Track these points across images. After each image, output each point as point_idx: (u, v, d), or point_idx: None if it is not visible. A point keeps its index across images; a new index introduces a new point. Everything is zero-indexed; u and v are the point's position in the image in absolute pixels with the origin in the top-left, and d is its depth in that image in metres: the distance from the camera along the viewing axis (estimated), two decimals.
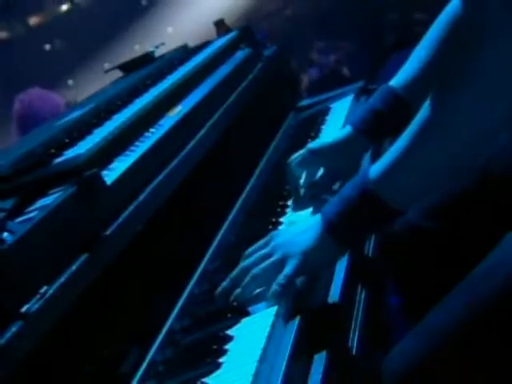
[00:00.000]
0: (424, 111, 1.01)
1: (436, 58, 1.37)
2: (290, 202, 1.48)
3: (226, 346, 1.03)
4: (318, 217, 1.12)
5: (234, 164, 1.65)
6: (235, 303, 1.12)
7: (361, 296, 1.20)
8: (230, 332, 1.06)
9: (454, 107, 0.97)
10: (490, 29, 0.92)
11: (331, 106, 2.05)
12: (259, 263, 1.13)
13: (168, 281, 1.22)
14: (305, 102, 2.18)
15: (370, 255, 1.35)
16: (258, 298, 1.11)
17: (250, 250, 1.18)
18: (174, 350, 1.11)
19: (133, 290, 1.13)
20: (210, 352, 1.03)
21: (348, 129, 1.47)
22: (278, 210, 1.46)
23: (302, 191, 1.49)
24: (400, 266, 1.56)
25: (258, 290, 1.12)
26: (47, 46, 6.95)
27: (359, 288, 1.21)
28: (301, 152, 1.50)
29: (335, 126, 1.81)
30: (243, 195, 1.58)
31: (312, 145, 1.51)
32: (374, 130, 1.45)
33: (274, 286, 1.08)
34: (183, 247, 1.31)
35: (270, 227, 1.37)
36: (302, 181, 1.50)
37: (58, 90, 5.50)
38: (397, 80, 1.44)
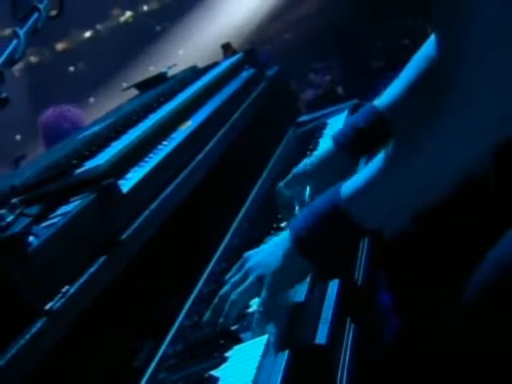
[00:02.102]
0: (397, 138, 0.96)
1: (413, 87, 1.32)
2: None
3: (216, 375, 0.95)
4: (287, 232, 1.02)
5: (239, 174, 1.64)
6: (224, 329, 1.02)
7: (349, 334, 1.07)
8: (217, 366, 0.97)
9: (430, 135, 0.91)
10: (460, 69, 0.87)
11: (328, 121, 2.04)
12: (235, 288, 1.04)
13: (179, 281, 1.21)
14: (304, 118, 2.17)
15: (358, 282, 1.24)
16: (245, 329, 1.02)
17: (229, 275, 1.09)
18: (183, 346, 1.09)
19: (146, 289, 1.12)
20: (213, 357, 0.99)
21: (331, 144, 1.40)
22: (279, 216, 1.45)
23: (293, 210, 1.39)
24: (390, 266, 1.55)
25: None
26: (71, 69, 7.00)
27: (348, 324, 1.09)
28: (288, 177, 1.42)
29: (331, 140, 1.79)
30: (247, 203, 1.56)
31: (296, 169, 1.42)
32: (354, 145, 1.37)
33: (256, 315, 1.00)
34: (192, 250, 1.30)
35: (272, 232, 1.36)
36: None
37: (81, 106, 5.51)
38: (381, 100, 1.38)
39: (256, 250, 1.10)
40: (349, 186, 0.98)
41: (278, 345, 0.95)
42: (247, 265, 1.06)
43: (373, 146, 1.35)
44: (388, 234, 1.00)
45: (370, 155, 1.38)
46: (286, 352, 0.92)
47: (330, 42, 6.21)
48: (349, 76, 5.73)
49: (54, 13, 1.08)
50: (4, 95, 0.92)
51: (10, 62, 0.95)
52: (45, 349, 0.85)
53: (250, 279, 1.03)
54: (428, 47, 1.31)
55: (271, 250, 1.04)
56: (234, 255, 1.34)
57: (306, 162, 1.42)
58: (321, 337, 0.99)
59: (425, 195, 0.95)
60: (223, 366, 0.97)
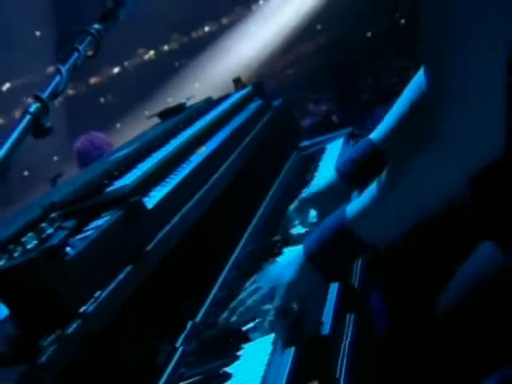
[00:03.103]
0: (393, 162, 0.97)
1: (405, 120, 1.31)
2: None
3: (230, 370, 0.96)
4: (300, 250, 1.05)
5: (249, 192, 1.63)
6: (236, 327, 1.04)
7: (348, 330, 1.09)
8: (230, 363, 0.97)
9: (416, 164, 0.92)
10: (447, 98, 0.87)
11: (326, 146, 2.04)
12: (252, 296, 1.07)
13: (196, 287, 1.20)
14: (305, 143, 2.16)
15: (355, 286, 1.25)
16: (256, 329, 1.03)
17: (247, 284, 1.11)
18: (200, 345, 1.08)
19: (168, 294, 1.10)
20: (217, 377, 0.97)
21: (334, 174, 1.41)
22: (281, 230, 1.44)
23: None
24: (382, 277, 1.54)
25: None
26: (102, 100, 7.05)
27: (347, 320, 1.10)
28: (296, 202, 1.42)
29: (329, 162, 1.79)
30: (256, 218, 1.55)
31: (304, 196, 1.43)
32: (354, 176, 1.38)
33: (268, 318, 1.02)
34: (208, 260, 1.29)
35: (278, 245, 1.34)
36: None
37: (109, 131, 5.54)
38: (375, 134, 1.38)
39: (273, 264, 1.12)
40: (351, 209, 1.00)
41: (286, 342, 0.96)
42: (264, 277, 1.09)
43: (369, 176, 1.32)
44: (384, 246, 1.00)
45: (363, 186, 1.37)
46: (293, 348, 0.93)
47: (327, 77, 6.24)
48: (342, 106, 5.75)
49: (90, 53, 1.08)
50: (48, 125, 0.92)
51: (54, 95, 0.96)
52: (79, 348, 0.84)
53: (264, 290, 1.06)
54: (416, 83, 1.30)
55: (286, 265, 1.06)
56: (244, 264, 1.33)
57: (312, 190, 1.44)
58: (325, 328, 1.02)
59: (413, 215, 0.97)
60: (236, 363, 0.96)
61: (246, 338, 1.02)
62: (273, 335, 0.98)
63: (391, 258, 1.48)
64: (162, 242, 1.11)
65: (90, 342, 0.86)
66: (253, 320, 1.04)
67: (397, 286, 1.52)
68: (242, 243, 1.42)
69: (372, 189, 0.98)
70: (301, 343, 0.96)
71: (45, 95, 0.95)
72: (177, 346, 1.05)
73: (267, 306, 1.03)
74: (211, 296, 1.21)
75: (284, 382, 0.88)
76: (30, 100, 0.94)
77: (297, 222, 1.40)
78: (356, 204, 1.00)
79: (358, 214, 0.98)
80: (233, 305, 1.08)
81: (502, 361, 1.09)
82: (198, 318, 1.14)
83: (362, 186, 1.40)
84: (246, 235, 1.46)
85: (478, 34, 0.84)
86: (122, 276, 0.98)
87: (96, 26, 1.13)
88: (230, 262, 1.34)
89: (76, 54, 1.05)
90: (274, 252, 1.29)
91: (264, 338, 0.99)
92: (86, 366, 0.85)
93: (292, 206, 1.42)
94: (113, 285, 0.95)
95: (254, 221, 1.54)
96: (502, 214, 1.10)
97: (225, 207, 1.43)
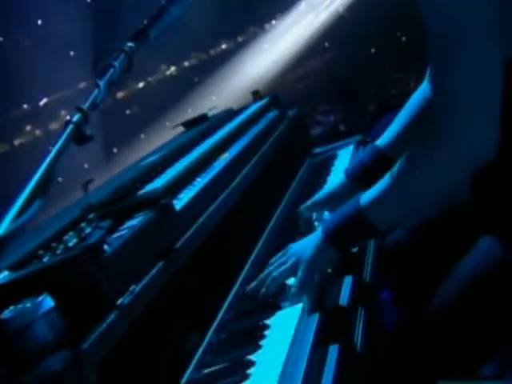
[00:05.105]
0: (403, 158, 1.01)
1: (410, 126, 1.35)
2: None
3: (265, 332, 1.00)
4: (320, 231, 1.12)
5: (267, 194, 1.63)
6: (264, 298, 1.11)
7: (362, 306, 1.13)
8: (267, 321, 1.03)
9: (422, 163, 0.98)
10: (451, 104, 0.91)
11: (338, 152, 2.03)
12: (278, 268, 1.13)
13: (221, 282, 1.20)
14: (318, 150, 2.15)
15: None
16: (283, 298, 1.09)
17: (273, 259, 1.18)
18: (225, 334, 1.08)
19: (196, 288, 1.10)
20: (253, 337, 1.00)
21: (343, 177, 1.45)
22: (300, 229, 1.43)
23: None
24: (390, 270, 1.53)
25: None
26: (128, 111, 7.11)
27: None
28: (309, 202, 1.45)
29: (341, 167, 1.78)
30: (274, 218, 1.55)
31: (316, 197, 1.45)
32: (362, 179, 1.41)
33: (292, 289, 1.08)
34: (231, 256, 1.29)
35: (295, 239, 1.34)
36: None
37: (134, 141, 5.57)
38: (381, 140, 1.41)
39: (297, 242, 1.18)
40: (364, 198, 1.06)
41: (310, 310, 1.03)
42: (289, 252, 1.15)
43: (375, 179, 1.37)
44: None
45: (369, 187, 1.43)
46: (317, 314, 1.00)
47: (334, 90, 6.23)
48: (349, 116, 5.75)
49: (127, 75, 1.10)
50: (89, 133, 0.92)
51: (93, 106, 0.97)
52: (116, 336, 0.84)
53: (289, 263, 1.12)
54: (421, 92, 1.32)
55: (307, 243, 1.13)
56: (265, 262, 1.32)
57: (323, 192, 1.47)
58: (343, 299, 1.09)
59: (420, 206, 1.06)
60: (267, 331, 1.01)
61: (277, 306, 1.07)
62: (300, 304, 1.04)
63: (398, 253, 1.47)
64: (190, 239, 1.12)
65: (125, 332, 0.86)
66: (279, 291, 1.11)
67: (403, 279, 1.51)
68: (262, 240, 1.42)
69: (383, 180, 1.04)
70: (324, 311, 1.02)
71: (85, 106, 0.96)
72: (203, 335, 1.05)
73: (291, 279, 1.10)
74: (234, 290, 1.20)
75: (310, 342, 0.93)
76: (67, 117, 0.95)
77: (310, 220, 1.45)
78: (368, 193, 1.06)
79: (369, 202, 1.05)
80: (260, 277, 1.14)
81: (498, 351, 1.09)
82: (222, 310, 1.13)
83: (368, 188, 1.46)
84: (265, 233, 1.46)
85: (477, 47, 0.88)
86: (154, 271, 0.98)
87: (129, 44, 1.15)
88: (251, 257, 1.34)
89: (112, 70, 1.07)
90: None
91: (291, 307, 1.05)
92: (122, 352, 0.85)
93: (303, 207, 1.46)
94: (146, 279, 0.95)
95: (273, 220, 1.54)
96: (502, 210, 1.09)
97: (246, 208, 1.43)
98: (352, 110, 5.86)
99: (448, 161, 0.94)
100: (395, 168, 1.01)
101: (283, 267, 1.12)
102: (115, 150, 6.17)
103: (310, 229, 1.39)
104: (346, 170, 1.46)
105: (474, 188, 1.16)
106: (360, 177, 1.42)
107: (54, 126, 6.06)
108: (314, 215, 1.45)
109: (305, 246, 1.13)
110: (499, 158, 0.92)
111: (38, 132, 6.19)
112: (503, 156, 0.93)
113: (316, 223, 1.42)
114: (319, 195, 1.47)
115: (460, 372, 1.05)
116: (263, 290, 1.11)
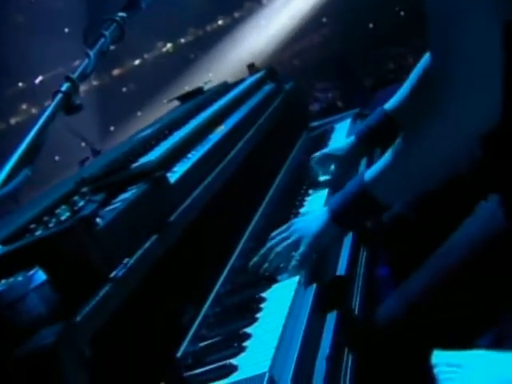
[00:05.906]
0: (404, 133, 1.00)
1: (413, 93, 1.39)
2: (306, 197, 1.44)
3: (261, 305, 0.99)
4: (325, 208, 1.11)
5: (264, 167, 1.61)
6: (266, 273, 1.10)
7: (360, 270, 1.16)
8: (263, 294, 1.02)
9: (425, 133, 0.96)
10: (451, 77, 0.90)
11: (335, 125, 2.01)
12: (281, 243, 1.12)
13: (216, 255, 1.19)
14: (315, 123, 2.13)
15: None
16: (282, 270, 1.09)
17: (275, 233, 1.16)
18: (221, 308, 1.07)
19: (191, 261, 1.09)
20: (249, 310, 0.99)
21: (352, 138, 1.52)
22: (297, 203, 1.42)
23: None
24: (388, 244, 1.52)
25: (281, 265, 1.10)
26: (124, 89, 7.04)
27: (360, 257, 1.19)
28: (318, 154, 1.54)
29: (338, 139, 1.78)
30: (271, 191, 1.53)
31: (326, 150, 1.55)
32: (369, 139, 1.49)
33: (293, 262, 1.07)
34: (227, 230, 1.27)
35: (292, 216, 1.32)
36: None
37: (130, 119, 5.53)
38: (388, 104, 1.47)
39: (300, 218, 1.19)
40: (368, 175, 1.05)
41: (308, 282, 1.03)
42: (293, 227, 1.14)
43: (383, 140, 1.47)
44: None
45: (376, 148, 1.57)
46: (314, 285, 1.01)
47: (331, 66, 6.17)
48: (346, 92, 5.71)
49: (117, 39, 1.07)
50: (78, 102, 0.90)
51: (83, 76, 0.94)
52: (110, 309, 0.83)
53: (293, 238, 1.11)
54: (425, 61, 1.34)
55: (312, 219, 1.12)
56: (261, 235, 1.31)
57: (334, 147, 1.56)
58: (340, 270, 1.10)
59: (424, 179, 1.02)
60: (264, 303, 1.00)
61: (273, 279, 1.07)
62: (297, 277, 1.04)
63: (397, 228, 1.46)
64: (184, 213, 1.10)
65: (119, 304, 0.85)
66: (280, 265, 1.10)
67: (402, 255, 1.49)
68: (258, 214, 1.40)
69: (386, 157, 1.03)
70: (321, 282, 1.03)
71: (75, 76, 0.93)
72: (199, 309, 1.04)
73: (293, 253, 1.09)
74: (230, 264, 1.19)
75: (307, 313, 0.93)
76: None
77: (320, 172, 1.52)
78: (372, 170, 1.05)
79: (373, 179, 1.04)
80: (262, 251, 1.13)
81: (498, 319, 1.09)
82: (218, 284, 1.12)
83: (375, 148, 1.59)
84: (262, 207, 1.44)
85: (477, 19, 0.87)
86: (147, 244, 0.96)
87: (120, 13, 1.13)
88: (247, 231, 1.32)
89: (103, 40, 1.05)
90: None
91: (288, 280, 1.04)
92: (116, 325, 0.84)
93: (314, 159, 1.54)
94: (140, 252, 0.94)
95: (270, 193, 1.52)
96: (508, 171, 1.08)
97: (242, 181, 1.41)
98: (349, 86, 5.81)
99: (449, 130, 0.93)
100: (397, 142, 1.00)
101: (286, 242, 1.11)
102: (112, 128, 6.13)
103: (317, 180, 1.49)
104: (356, 131, 1.54)
105: (483, 149, 1.13)
106: (367, 137, 1.49)
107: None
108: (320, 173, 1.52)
109: (309, 222, 1.12)
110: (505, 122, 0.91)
111: (33, 110, 6.14)
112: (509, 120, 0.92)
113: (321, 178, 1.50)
114: (329, 149, 1.56)
115: (456, 341, 1.04)
116: (266, 264, 1.11)
